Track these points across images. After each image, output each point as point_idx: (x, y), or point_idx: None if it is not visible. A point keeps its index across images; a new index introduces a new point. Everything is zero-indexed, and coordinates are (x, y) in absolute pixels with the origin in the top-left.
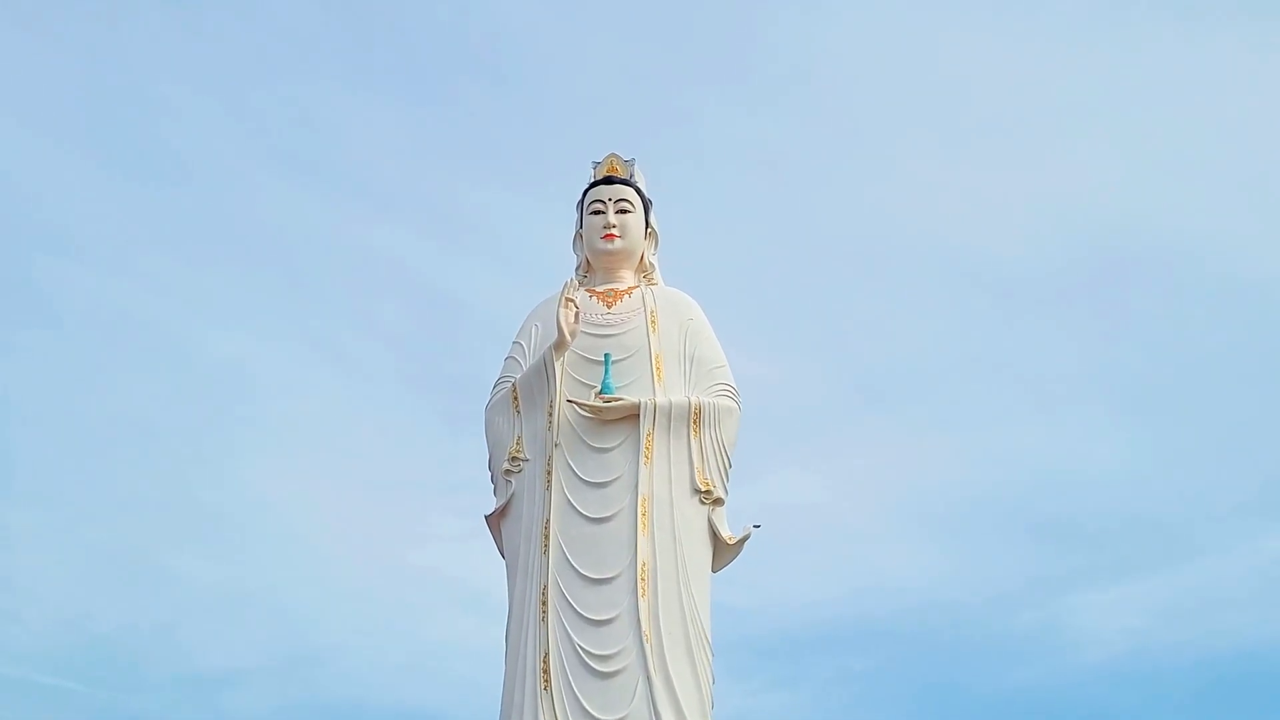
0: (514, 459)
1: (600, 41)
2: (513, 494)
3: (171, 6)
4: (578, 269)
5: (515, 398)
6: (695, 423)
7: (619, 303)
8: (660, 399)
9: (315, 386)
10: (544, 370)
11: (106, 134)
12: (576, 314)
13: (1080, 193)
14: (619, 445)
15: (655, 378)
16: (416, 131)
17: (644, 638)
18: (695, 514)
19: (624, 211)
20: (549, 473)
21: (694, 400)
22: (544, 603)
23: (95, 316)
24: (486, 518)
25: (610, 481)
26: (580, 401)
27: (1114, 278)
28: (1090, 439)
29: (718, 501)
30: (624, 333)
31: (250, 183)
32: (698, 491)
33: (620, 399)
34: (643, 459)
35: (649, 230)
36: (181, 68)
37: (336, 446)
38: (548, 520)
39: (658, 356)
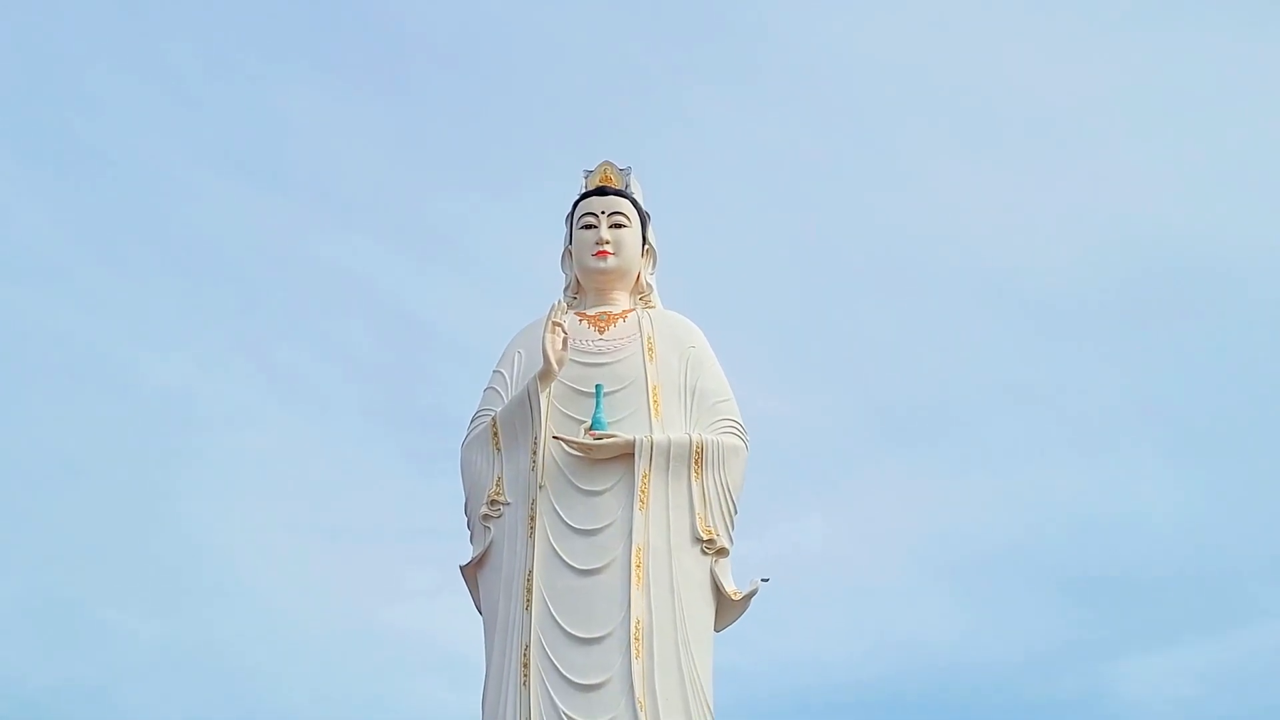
0: (493, 502)
1: (590, 33)
2: (491, 542)
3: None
4: (566, 290)
5: (495, 434)
6: (697, 463)
7: (612, 328)
8: (658, 436)
9: (268, 419)
10: (527, 403)
11: (29, 129)
12: (564, 340)
13: (1127, 206)
14: (611, 488)
15: (652, 412)
16: (384, 132)
17: (638, 705)
18: (696, 566)
19: (618, 226)
20: (532, 518)
21: (695, 437)
22: (525, 665)
23: (17, 337)
24: (462, 568)
25: (601, 529)
26: (568, 438)
27: (1164, 300)
28: (1137, 481)
29: (721, 552)
30: (617, 361)
31: (196, 188)
32: (699, 540)
33: (613, 435)
34: (637, 503)
35: (646, 247)
36: (118, 56)
37: (292, 488)
38: (530, 572)
39: (655, 388)
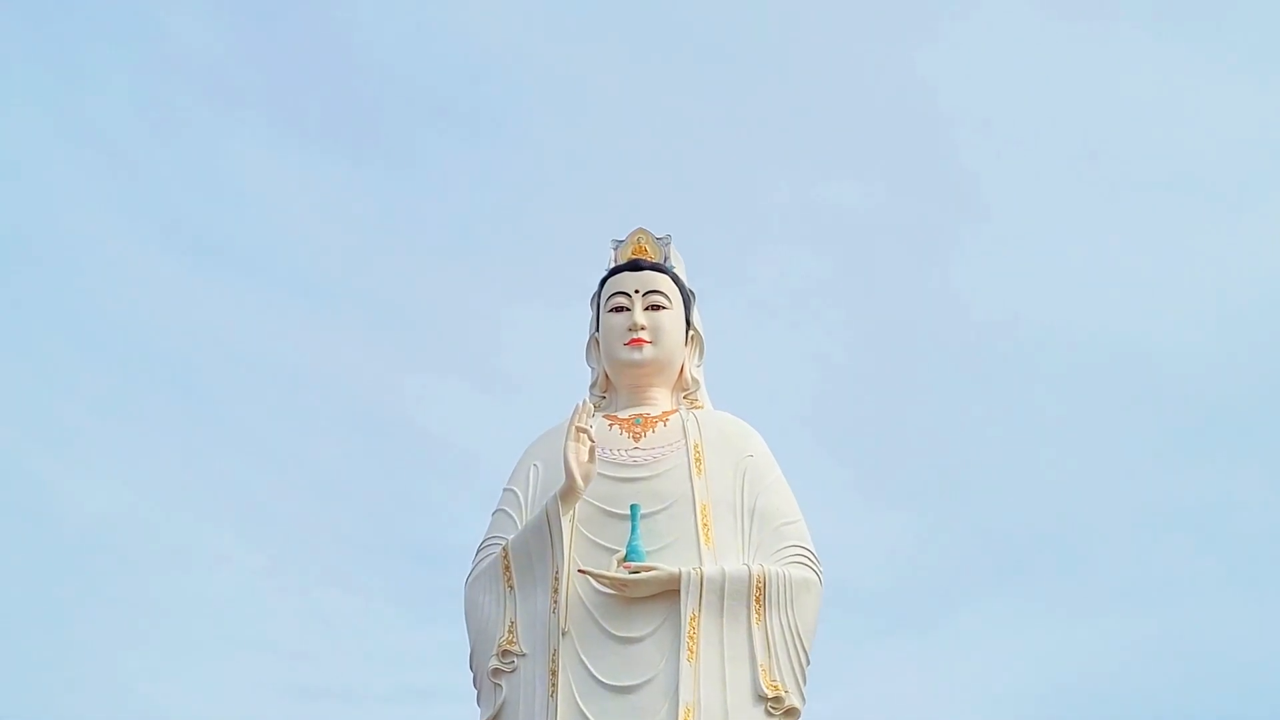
0: (505, 654)
1: (615, 80)
2: (503, 703)
3: (31, 26)
4: (593, 388)
5: (507, 568)
6: (758, 601)
7: (650, 434)
8: (709, 568)
9: (221, 555)
10: (546, 529)
11: None
12: (591, 449)
13: None
14: (652, 634)
15: (702, 538)
16: (360, 199)
17: None
18: None
19: (656, 308)
20: (554, 673)
21: (756, 570)
22: None
23: None
24: None
25: (640, 685)
26: (598, 572)
27: None
28: None
29: (791, 712)
30: (657, 476)
31: (133, 269)
32: (763, 699)
33: (653, 568)
34: (685, 654)
35: (691, 333)
36: (47, 110)
37: (255, 639)
38: None
39: (704, 508)
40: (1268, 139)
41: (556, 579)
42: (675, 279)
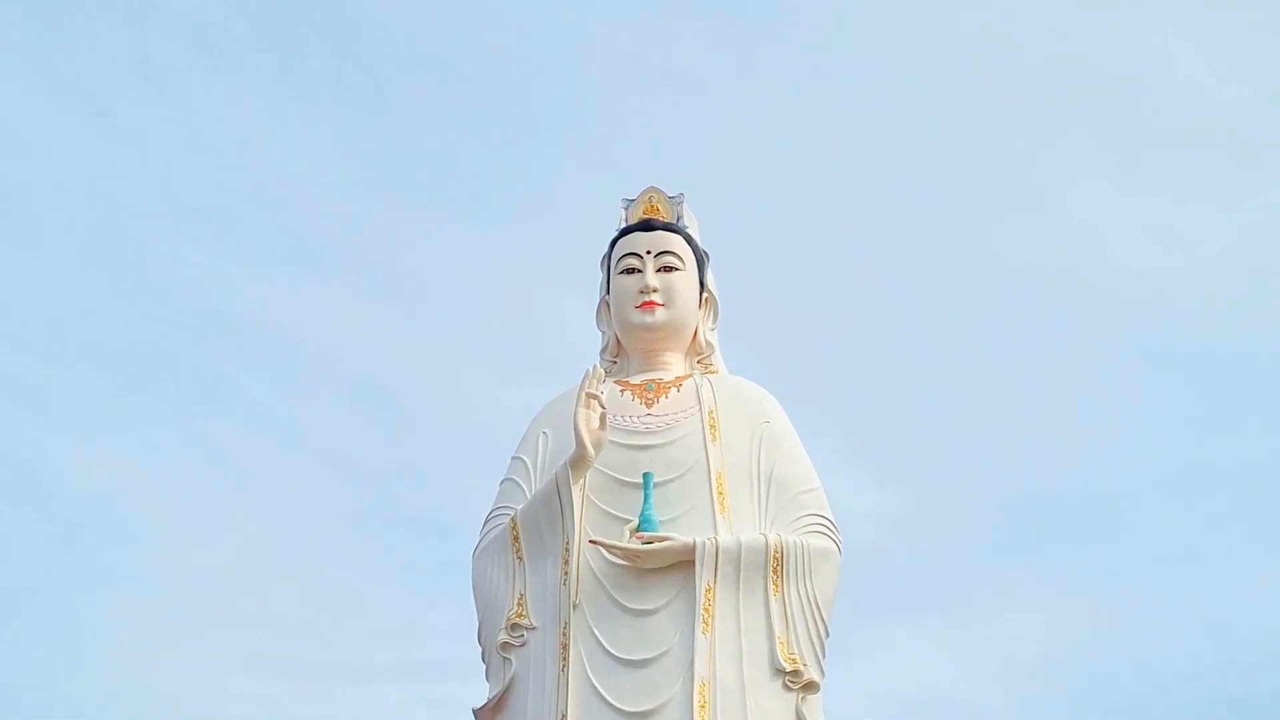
0: (514, 627)
1: (625, 34)
2: (513, 677)
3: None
4: (604, 352)
5: (515, 538)
6: (775, 572)
7: (663, 400)
8: (724, 538)
9: (219, 529)
10: (556, 498)
11: None
12: (602, 416)
13: None
14: (666, 606)
15: (716, 507)
16: (359, 158)
17: None
18: (778, 705)
19: (669, 269)
20: (565, 647)
21: (773, 539)
22: None
23: None
24: (475, 712)
25: (654, 659)
26: (610, 543)
27: None
28: None
29: (810, 686)
30: (671, 443)
31: (122, 234)
32: (781, 672)
33: (666, 538)
34: (700, 627)
35: (705, 295)
36: (29, 76)
37: (252, 612)
38: (564, 716)
39: (719, 476)
40: None
41: (567, 550)
42: (689, 239)
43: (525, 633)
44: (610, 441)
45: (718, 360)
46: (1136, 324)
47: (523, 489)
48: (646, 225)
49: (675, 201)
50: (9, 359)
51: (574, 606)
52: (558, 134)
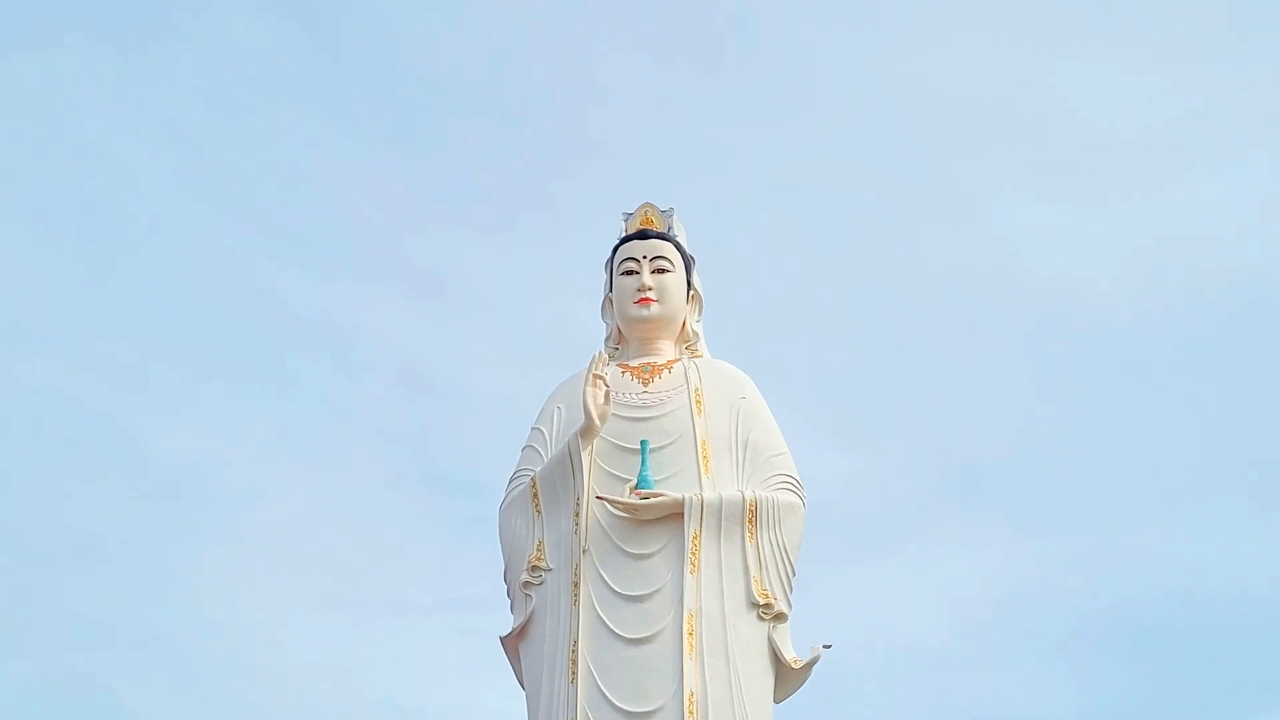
0: (534, 569)
1: (623, 68)
2: (533, 611)
3: (108, 38)
4: (607, 340)
5: (535, 495)
6: (751, 522)
7: (657, 379)
8: (708, 494)
9: (286, 489)
10: (568, 461)
11: (27, 187)
12: (606, 393)
13: (1208, 239)
14: (660, 550)
15: (702, 468)
16: (403, 181)
17: None
18: (753, 633)
19: (661, 271)
20: (576, 585)
21: (749, 495)
22: None
23: (20, 407)
24: (502, 640)
25: (650, 595)
26: (612, 498)
27: (1253, 340)
28: (1229, 537)
29: (780, 617)
30: (663, 415)
31: (200, 244)
32: (755, 605)
33: (660, 494)
34: (688, 567)
35: (691, 293)
36: (125, 113)
37: (314, 561)
38: (575, 642)
39: (703, 443)
40: (1195, 122)
41: (578, 504)
42: (678, 246)
43: (543, 573)
44: (613, 415)
45: (703, 346)
46: (1053, 315)
47: (540, 454)
48: (643, 234)
49: (666, 214)
50: (112, 346)
51: (584, 551)
52: (570, 161)
